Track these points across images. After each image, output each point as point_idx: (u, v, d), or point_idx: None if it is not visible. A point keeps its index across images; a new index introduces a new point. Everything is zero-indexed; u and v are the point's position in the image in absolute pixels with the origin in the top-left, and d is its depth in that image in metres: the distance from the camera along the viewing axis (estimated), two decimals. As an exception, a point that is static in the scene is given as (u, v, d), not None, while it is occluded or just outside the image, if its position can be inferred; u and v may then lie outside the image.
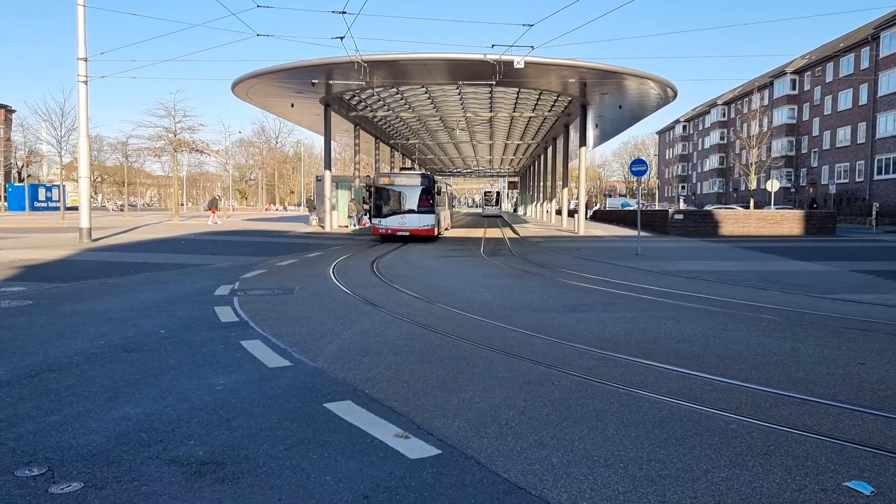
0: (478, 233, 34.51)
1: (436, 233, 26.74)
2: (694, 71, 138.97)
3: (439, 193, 27.62)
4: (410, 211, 25.77)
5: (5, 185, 73.85)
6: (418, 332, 7.90)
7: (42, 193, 72.03)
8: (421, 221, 25.71)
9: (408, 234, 25.59)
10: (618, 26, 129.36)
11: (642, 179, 22.57)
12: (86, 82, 21.52)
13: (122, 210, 72.81)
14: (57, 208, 61.91)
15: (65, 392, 5.29)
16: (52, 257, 17.14)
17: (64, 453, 4.03)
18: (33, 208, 65.04)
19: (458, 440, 4.27)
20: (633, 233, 28.06)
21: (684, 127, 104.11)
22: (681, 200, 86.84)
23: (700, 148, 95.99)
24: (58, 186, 69.41)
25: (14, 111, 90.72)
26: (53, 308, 9.44)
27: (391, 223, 25.67)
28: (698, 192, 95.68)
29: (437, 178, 34.48)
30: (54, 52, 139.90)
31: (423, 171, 44.79)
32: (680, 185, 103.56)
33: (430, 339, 7.49)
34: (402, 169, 40.29)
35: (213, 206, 43.15)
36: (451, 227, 39.51)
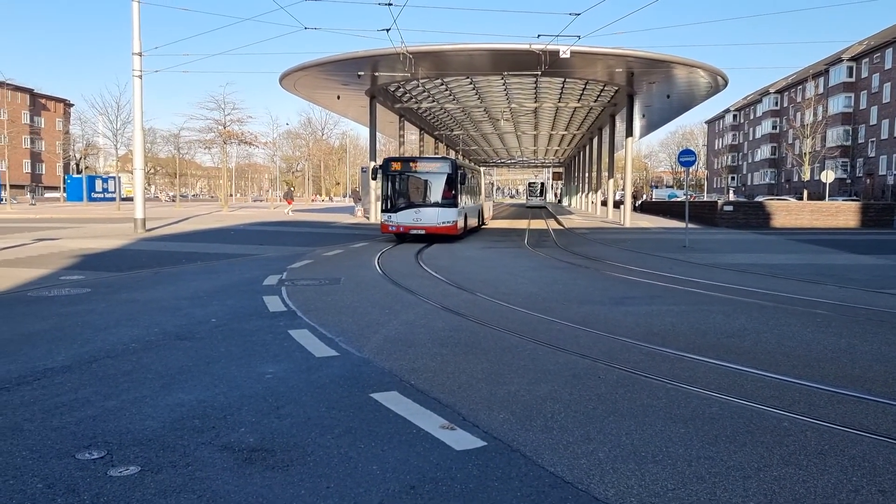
0: (522, 224, 34.34)
1: (460, 229, 22.02)
2: (745, 59, 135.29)
3: (464, 182, 22.57)
4: (427, 204, 21.33)
5: (65, 177, 76.47)
6: (463, 323, 7.92)
7: (99, 185, 74.45)
8: (440, 217, 21.14)
9: (423, 232, 21.17)
10: (667, 14, 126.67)
11: (691, 170, 22.18)
12: (140, 77, 22.09)
13: (173, 200, 74.59)
14: (113, 199, 63.94)
15: (122, 378, 5.47)
16: (109, 247, 17.69)
17: (122, 437, 4.17)
18: (91, 199, 67.26)
19: (503, 433, 4.27)
20: (681, 224, 27.56)
21: (734, 116, 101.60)
22: (731, 191, 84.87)
23: (751, 138, 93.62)
24: (113, 178, 71.66)
25: (72, 105, 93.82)
26: (110, 296, 9.76)
27: (403, 219, 21.24)
28: (749, 182, 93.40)
29: (475, 166, 32.20)
30: (110, 47, 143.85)
31: (445, 155, 38.30)
32: (730, 176, 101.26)
33: (474, 330, 7.50)
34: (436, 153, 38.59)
35: (289, 196, 45.62)
36: (494, 219, 39.33)
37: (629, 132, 34.37)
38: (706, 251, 17.99)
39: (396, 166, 21.73)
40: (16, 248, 16.79)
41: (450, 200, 21.32)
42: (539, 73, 25.25)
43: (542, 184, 73.32)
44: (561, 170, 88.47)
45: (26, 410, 4.65)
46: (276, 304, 9.15)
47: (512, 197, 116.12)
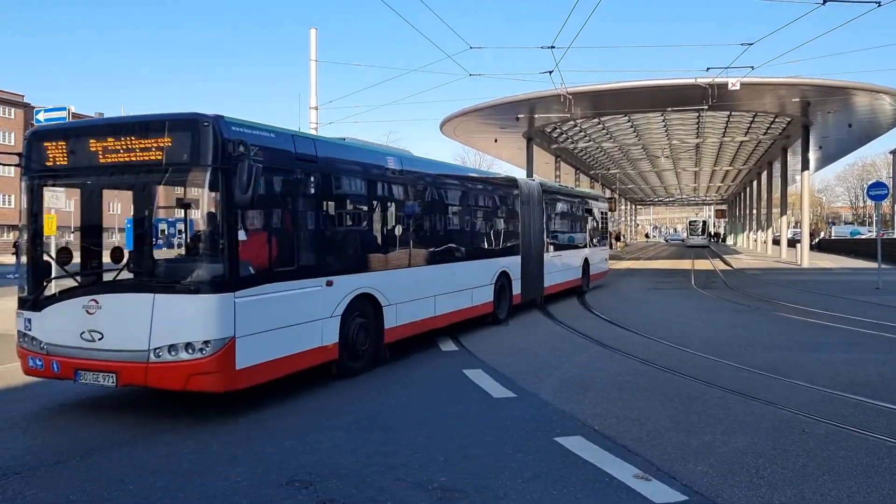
0: (685, 264, 32.78)
1: (245, 362, 5.49)
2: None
3: (292, 186, 6.37)
4: (124, 284, 6.30)
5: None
6: (640, 367, 7.61)
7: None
8: (165, 321, 5.28)
9: (112, 379, 5.34)
10: (849, 38, 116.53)
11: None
12: (317, 129, 23.78)
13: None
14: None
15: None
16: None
17: (321, 469, 4.37)
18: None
19: (704, 487, 4.00)
20: (869, 264, 25.06)
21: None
22: (926, 227, 76.12)
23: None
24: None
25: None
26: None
27: (55, 334, 5.68)
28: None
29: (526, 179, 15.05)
30: (289, 101, 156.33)
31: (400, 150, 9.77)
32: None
33: (653, 375, 7.17)
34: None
35: None
36: (653, 259, 37.82)
37: (805, 166, 31.96)
38: (905, 294, 16.15)
39: (56, 153, 5.99)
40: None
41: (211, 259, 5.56)
42: (705, 107, 24.21)
43: (704, 222, 69.66)
44: (724, 207, 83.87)
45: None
46: (446, 343, 9.32)
47: (652, 237, 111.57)
